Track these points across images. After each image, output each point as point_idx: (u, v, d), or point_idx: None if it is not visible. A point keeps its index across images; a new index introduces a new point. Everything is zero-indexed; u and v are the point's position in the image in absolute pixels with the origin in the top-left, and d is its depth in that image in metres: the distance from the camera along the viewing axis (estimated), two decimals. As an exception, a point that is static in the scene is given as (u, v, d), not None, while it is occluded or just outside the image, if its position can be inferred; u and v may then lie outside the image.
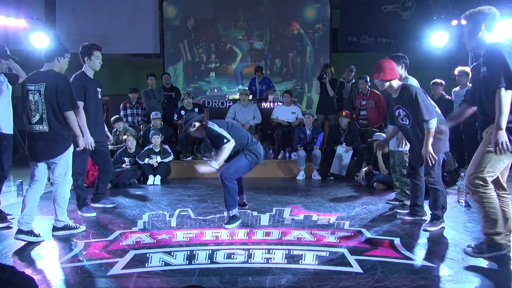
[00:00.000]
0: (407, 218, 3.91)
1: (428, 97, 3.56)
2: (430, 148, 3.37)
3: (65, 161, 3.52)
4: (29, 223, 3.37)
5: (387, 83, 3.59)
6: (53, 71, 3.51)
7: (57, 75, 3.49)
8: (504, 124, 2.60)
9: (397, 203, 4.49)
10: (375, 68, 3.64)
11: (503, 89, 2.60)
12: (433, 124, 3.36)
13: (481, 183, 2.74)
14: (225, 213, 3.89)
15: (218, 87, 8.50)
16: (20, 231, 3.34)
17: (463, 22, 2.91)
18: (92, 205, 4.42)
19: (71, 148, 3.57)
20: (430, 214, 3.65)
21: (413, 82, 4.13)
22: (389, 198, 4.69)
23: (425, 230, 3.53)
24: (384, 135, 4.86)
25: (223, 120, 4.50)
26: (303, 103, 9.78)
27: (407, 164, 4.07)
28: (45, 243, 3.36)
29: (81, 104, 4.05)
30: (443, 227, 3.59)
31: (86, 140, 3.99)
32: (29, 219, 3.37)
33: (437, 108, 3.69)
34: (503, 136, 2.59)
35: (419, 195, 3.85)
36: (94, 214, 4.21)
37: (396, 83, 3.60)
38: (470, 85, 5.75)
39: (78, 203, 4.25)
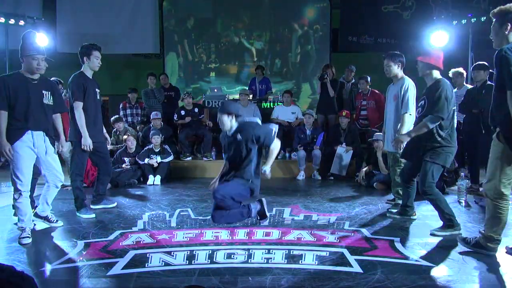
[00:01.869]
0: (396, 216, 3.99)
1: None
2: (404, 138, 3.58)
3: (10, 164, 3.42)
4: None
5: (428, 71, 3.54)
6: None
7: None
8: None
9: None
10: (423, 53, 3.59)
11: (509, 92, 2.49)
12: (435, 122, 3.36)
13: (497, 195, 2.72)
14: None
15: (218, 87, 8.48)
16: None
17: (492, 18, 2.77)
18: (93, 206, 4.39)
19: (12, 153, 3.33)
20: (443, 223, 3.50)
21: (409, 82, 4.11)
22: (389, 198, 4.69)
23: (433, 234, 3.43)
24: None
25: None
26: (301, 101, 9.79)
27: (402, 164, 4.08)
28: (45, 243, 3.37)
29: (80, 104, 4.04)
30: (453, 234, 3.38)
31: (85, 141, 4.01)
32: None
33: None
34: None
35: (410, 197, 3.91)
36: (93, 215, 4.15)
37: (436, 73, 3.54)
38: (468, 85, 5.76)
39: (76, 204, 4.20)
